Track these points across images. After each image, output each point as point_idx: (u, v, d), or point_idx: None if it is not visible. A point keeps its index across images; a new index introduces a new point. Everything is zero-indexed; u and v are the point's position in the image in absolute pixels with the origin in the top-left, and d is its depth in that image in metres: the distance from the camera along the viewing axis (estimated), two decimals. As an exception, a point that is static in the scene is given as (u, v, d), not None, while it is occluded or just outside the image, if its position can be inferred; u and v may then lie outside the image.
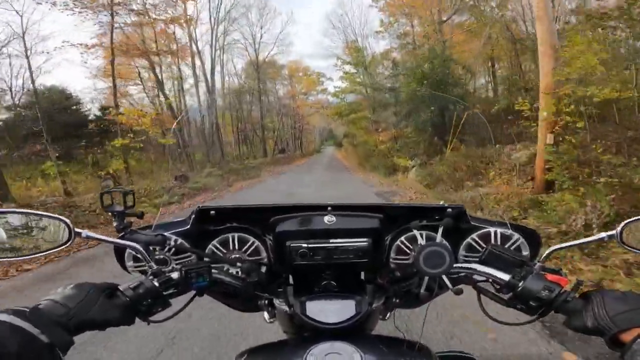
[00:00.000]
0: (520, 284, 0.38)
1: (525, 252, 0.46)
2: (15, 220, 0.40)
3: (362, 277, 0.47)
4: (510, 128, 5.72)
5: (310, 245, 0.43)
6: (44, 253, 0.40)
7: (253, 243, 0.47)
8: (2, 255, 0.39)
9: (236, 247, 0.47)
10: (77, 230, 0.38)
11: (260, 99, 20.09)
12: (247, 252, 0.47)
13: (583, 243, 0.41)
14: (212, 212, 0.46)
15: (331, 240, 0.43)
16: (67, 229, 0.39)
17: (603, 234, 0.39)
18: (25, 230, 0.40)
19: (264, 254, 0.48)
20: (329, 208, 0.45)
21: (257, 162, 14.99)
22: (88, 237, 0.39)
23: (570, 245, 0.41)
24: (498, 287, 0.41)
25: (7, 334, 0.28)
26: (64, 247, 0.39)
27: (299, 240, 0.43)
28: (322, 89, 25.11)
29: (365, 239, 0.43)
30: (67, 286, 0.35)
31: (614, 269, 1.72)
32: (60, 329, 0.31)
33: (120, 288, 0.36)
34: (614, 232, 0.38)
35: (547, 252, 0.41)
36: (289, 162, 18.28)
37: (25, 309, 0.30)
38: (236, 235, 0.47)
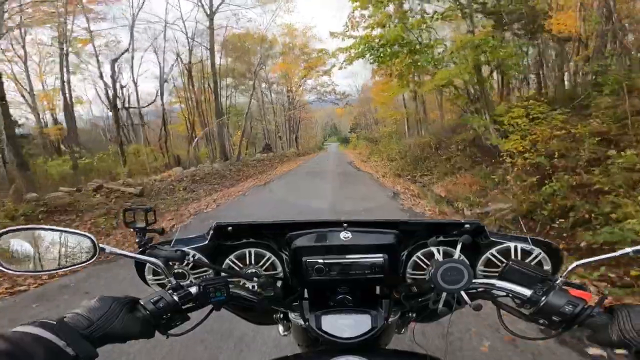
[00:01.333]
0: (543, 299, 0.57)
1: (547, 267, 0.68)
2: (42, 235, 0.62)
3: (378, 291, 0.70)
4: None
5: (326, 261, 0.65)
6: (70, 268, 0.63)
7: (269, 258, 0.71)
8: (29, 269, 0.62)
9: (253, 262, 0.70)
10: (101, 246, 0.61)
11: (214, 64, 18.14)
12: (264, 267, 0.71)
13: (607, 258, 0.59)
14: (230, 228, 0.69)
15: (347, 256, 0.66)
16: (92, 245, 0.61)
17: (628, 249, 0.56)
18: (51, 246, 0.62)
19: (280, 269, 0.71)
20: (345, 224, 0.68)
21: (173, 176, 11.19)
22: (112, 253, 0.62)
23: (594, 261, 0.60)
24: (518, 302, 0.61)
25: (35, 346, 0.43)
26: (88, 262, 0.62)
27: (315, 255, 0.66)
28: (326, 71, 25.54)
29: (381, 255, 0.66)
30: (91, 300, 0.56)
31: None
32: (85, 342, 0.48)
33: (141, 302, 0.57)
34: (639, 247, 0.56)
35: (570, 267, 0.60)
36: (265, 169, 15.98)
37: (53, 322, 0.47)
38: (253, 250, 0.70)
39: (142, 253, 0.65)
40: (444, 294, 0.64)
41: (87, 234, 0.62)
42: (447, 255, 0.68)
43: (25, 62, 15.16)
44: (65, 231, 0.63)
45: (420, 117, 18.86)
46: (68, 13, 14.08)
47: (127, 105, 17.77)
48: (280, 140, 31.27)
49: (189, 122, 20.44)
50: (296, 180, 11.77)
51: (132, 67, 17.41)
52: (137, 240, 0.65)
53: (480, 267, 0.70)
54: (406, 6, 8.34)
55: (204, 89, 20.25)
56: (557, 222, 3.76)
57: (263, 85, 27.46)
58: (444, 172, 8.46)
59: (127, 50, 16.44)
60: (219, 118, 18.59)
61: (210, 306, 0.63)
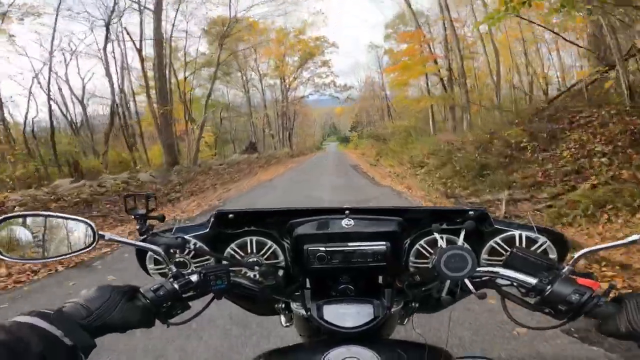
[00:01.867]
0: (549, 287, 0.74)
1: (552, 256, 0.87)
2: (40, 222, 0.83)
3: (380, 280, 0.90)
4: None
5: (328, 249, 0.85)
6: (69, 255, 0.83)
7: (271, 247, 0.91)
8: (28, 257, 0.82)
9: (254, 250, 0.91)
10: (100, 233, 0.80)
11: (159, 26, 17.64)
12: (265, 256, 0.91)
13: (614, 246, 0.77)
14: (231, 215, 0.90)
15: (349, 244, 0.86)
16: (91, 232, 0.81)
17: (635, 236, 0.73)
18: (50, 233, 0.83)
19: (281, 258, 0.92)
20: (347, 211, 0.89)
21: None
22: (111, 240, 0.81)
23: (601, 249, 0.79)
24: (524, 291, 0.79)
25: (32, 336, 0.55)
26: (88, 249, 0.81)
27: (316, 243, 0.86)
28: (325, 61, 27.15)
29: (383, 243, 0.86)
30: (90, 289, 0.72)
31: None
32: (83, 332, 0.61)
33: (141, 290, 0.75)
34: None
35: (577, 255, 0.78)
36: (236, 178, 14.68)
37: (50, 312, 0.60)
38: (254, 238, 0.91)
39: (143, 241, 0.84)
40: (448, 282, 0.84)
41: (86, 220, 0.81)
42: (451, 242, 0.88)
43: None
44: (64, 217, 0.82)
45: (462, 104, 17.11)
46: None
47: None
48: (273, 138, 32.62)
49: (118, 112, 19.62)
50: (272, 200, 10.11)
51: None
52: (137, 227, 0.85)
53: (484, 255, 0.90)
54: None
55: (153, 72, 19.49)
56: None
57: (252, 74, 28.75)
58: (593, 200, 5.53)
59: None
60: (164, 106, 17.40)
61: (211, 295, 0.82)
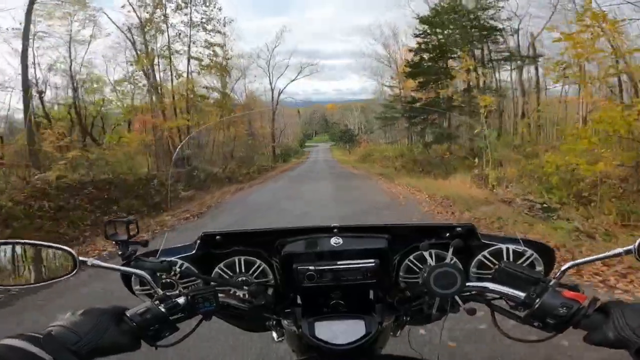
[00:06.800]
0: (537, 301, 0.74)
1: (539, 268, 0.87)
2: (19, 249, 0.80)
3: (371, 296, 0.89)
4: None
5: (317, 268, 0.83)
6: (50, 282, 0.80)
7: (260, 266, 0.89)
8: (8, 283, 0.79)
9: (243, 269, 0.88)
10: (82, 259, 0.77)
11: None
12: (254, 275, 0.89)
13: (599, 259, 0.78)
14: (218, 237, 0.87)
15: (338, 262, 0.84)
16: (71, 259, 0.78)
17: (620, 249, 0.75)
18: (29, 260, 0.80)
19: (270, 276, 0.90)
20: (335, 230, 0.87)
21: None
22: (94, 266, 0.79)
23: (587, 261, 0.80)
24: (512, 304, 0.80)
25: None
26: (69, 276, 0.79)
27: (306, 262, 0.84)
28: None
29: (372, 260, 0.84)
30: (76, 312, 0.70)
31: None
32: (73, 357, 0.60)
33: (128, 314, 0.72)
34: (631, 247, 0.74)
35: (563, 268, 0.79)
36: None
37: (39, 336, 0.59)
38: (242, 258, 0.88)
39: (127, 265, 0.81)
40: (438, 299, 0.83)
41: (65, 247, 0.79)
42: (440, 258, 0.86)
43: None
44: (43, 245, 0.80)
45: None
46: None
47: None
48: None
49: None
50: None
51: None
52: (119, 252, 0.82)
53: (473, 269, 0.89)
54: None
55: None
56: None
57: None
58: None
59: None
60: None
61: (199, 316, 0.80)
